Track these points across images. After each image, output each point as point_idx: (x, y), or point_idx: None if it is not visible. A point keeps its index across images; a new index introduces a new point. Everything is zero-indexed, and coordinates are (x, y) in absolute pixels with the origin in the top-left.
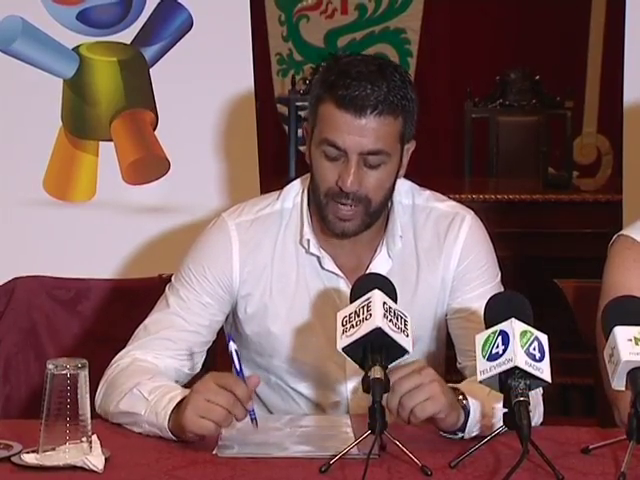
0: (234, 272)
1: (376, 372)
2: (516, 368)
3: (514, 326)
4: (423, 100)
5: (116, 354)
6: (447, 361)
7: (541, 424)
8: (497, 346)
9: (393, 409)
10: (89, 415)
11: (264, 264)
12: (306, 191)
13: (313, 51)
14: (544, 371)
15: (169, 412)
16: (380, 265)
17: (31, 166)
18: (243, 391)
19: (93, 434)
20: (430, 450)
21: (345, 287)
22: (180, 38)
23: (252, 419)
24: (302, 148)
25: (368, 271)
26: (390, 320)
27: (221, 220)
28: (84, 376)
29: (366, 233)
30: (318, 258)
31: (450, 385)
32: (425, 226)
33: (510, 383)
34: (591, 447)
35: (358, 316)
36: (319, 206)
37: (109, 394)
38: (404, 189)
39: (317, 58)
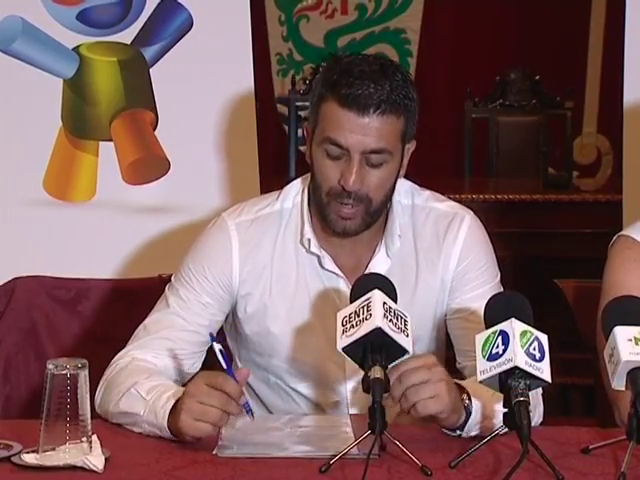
0: (234, 272)
1: (376, 372)
2: (516, 368)
3: (514, 326)
4: (423, 100)
5: (116, 354)
6: (447, 361)
7: (541, 424)
8: (497, 346)
9: (396, 398)
10: (89, 415)
11: (264, 264)
12: (306, 191)
13: (313, 51)
14: (544, 371)
15: (167, 411)
16: (379, 264)
17: (31, 166)
18: (234, 388)
19: (93, 434)
20: (430, 450)
21: (345, 287)
22: (180, 38)
23: (247, 412)
24: (302, 148)
25: (367, 271)
26: (390, 320)
27: (221, 220)
28: (84, 376)
29: (366, 233)
30: (318, 258)
31: (456, 382)
32: (424, 226)
33: (510, 383)
34: (591, 447)
35: (358, 316)
36: (320, 205)
37: (108, 394)
38: (404, 189)
39: (317, 58)
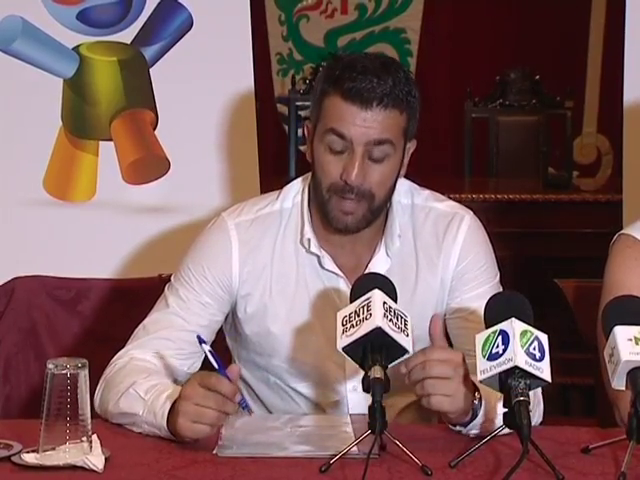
0: (234, 272)
1: (376, 372)
2: (516, 368)
3: (514, 326)
4: (423, 100)
5: (116, 354)
6: None
7: (541, 424)
8: (497, 346)
9: (413, 382)
10: (89, 415)
11: (264, 264)
12: (306, 190)
13: (313, 51)
14: (544, 371)
15: (166, 411)
16: (379, 264)
17: (31, 166)
18: (228, 388)
19: (93, 434)
20: (430, 450)
21: (345, 287)
22: (180, 38)
23: (244, 408)
24: (302, 148)
25: (367, 270)
26: (390, 320)
27: (221, 220)
28: (84, 376)
29: (366, 232)
30: (318, 257)
31: (472, 377)
32: (424, 226)
33: (510, 383)
34: (591, 447)
35: (358, 316)
36: (321, 202)
37: (107, 394)
38: (403, 189)
39: (317, 58)
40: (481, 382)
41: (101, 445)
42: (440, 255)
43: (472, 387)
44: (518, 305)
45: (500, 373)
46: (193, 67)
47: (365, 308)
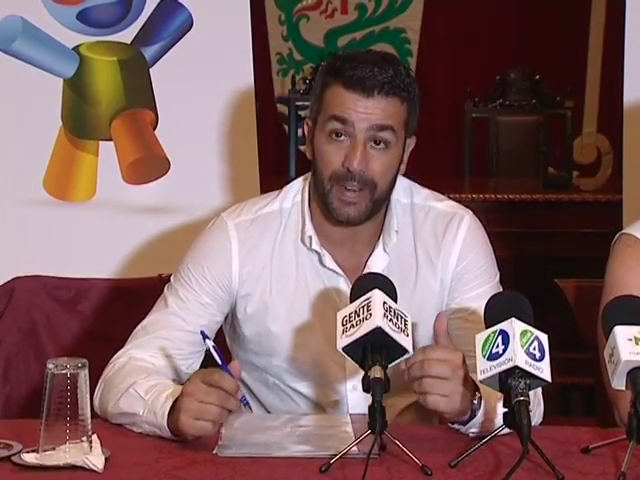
0: (233, 272)
1: (376, 372)
2: (516, 368)
3: (514, 326)
4: (423, 100)
5: (116, 354)
6: None
7: (541, 424)
8: (497, 346)
9: (412, 379)
10: (89, 415)
11: (263, 264)
12: (307, 189)
13: (313, 51)
14: (544, 371)
15: (167, 411)
16: (377, 261)
17: (31, 166)
18: (230, 384)
19: (93, 434)
20: (430, 450)
21: (345, 286)
22: (180, 38)
23: (245, 405)
24: (302, 148)
25: (366, 268)
26: (390, 320)
27: (220, 220)
28: (84, 376)
29: (365, 230)
30: (319, 256)
31: (472, 376)
32: (424, 225)
33: (510, 383)
34: (591, 447)
35: (358, 316)
36: (322, 194)
37: (106, 394)
38: (402, 187)
39: (317, 58)
40: (481, 382)
41: (101, 445)
42: (439, 255)
43: (472, 387)
44: (518, 305)
45: (500, 373)
46: (193, 67)
47: (365, 308)
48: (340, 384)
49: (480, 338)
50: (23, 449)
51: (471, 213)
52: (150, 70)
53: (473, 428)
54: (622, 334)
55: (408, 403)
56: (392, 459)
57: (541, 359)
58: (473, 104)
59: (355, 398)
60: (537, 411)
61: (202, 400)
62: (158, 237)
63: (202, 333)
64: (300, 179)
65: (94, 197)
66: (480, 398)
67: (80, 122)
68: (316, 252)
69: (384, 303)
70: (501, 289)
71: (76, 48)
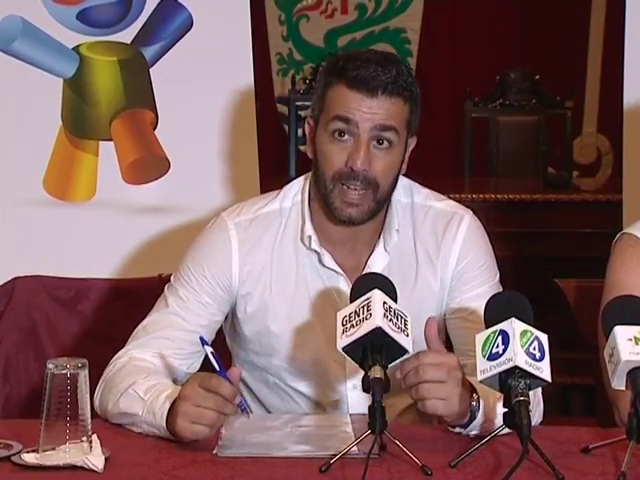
0: (233, 272)
1: (376, 372)
2: (516, 368)
3: (514, 326)
4: (423, 100)
5: (116, 354)
6: None
7: (541, 424)
8: (497, 346)
9: (408, 387)
10: (89, 415)
11: (263, 263)
12: (307, 188)
13: (313, 51)
14: (544, 371)
15: (166, 412)
16: (378, 260)
17: (31, 166)
18: (228, 390)
19: (93, 434)
20: (430, 450)
21: (345, 286)
22: (180, 38)
23: (243, 410)
24: (302, 148)
25: (367, 267)
26: (390, 320)
27: (220, 220)
28: (84, 376)
29: (365, 230)
30: (318, 255)
31: (469, 378)
32: (424, 225)
33: (510, 383)
34: (591, 447)
35: (358, 316)
36: (324, 194)
37: (106, 394)
38: (402, 186)
39: (317, 58)
40: (481, 382)
41: (101, 445)
42: (439, 255)
43: (469, 389)
44: (518, 305)
45: (500, 373)
46: (193, 67)
47: (365, 308)
48: (340, 384)
49: (480, 338)
50: (23, 449)
51: (471, 213)
52: (150, 70)
53: (474, 430)
54: (622, 334)
55: (408, 403)
56: (392, 459)
57: (541, 359)
58: (473, 104)
59: (355, 398)
60: (537, 411)
61: (199, 404)
62: (158, 237)
63: (201, 339)
64: (300, 178)
65: (94, 197)
66: (478, 399)
67: (80, 122)
68: (316, 252)
69: (384, 303)
70: (501, 289)
71: (76, 48)
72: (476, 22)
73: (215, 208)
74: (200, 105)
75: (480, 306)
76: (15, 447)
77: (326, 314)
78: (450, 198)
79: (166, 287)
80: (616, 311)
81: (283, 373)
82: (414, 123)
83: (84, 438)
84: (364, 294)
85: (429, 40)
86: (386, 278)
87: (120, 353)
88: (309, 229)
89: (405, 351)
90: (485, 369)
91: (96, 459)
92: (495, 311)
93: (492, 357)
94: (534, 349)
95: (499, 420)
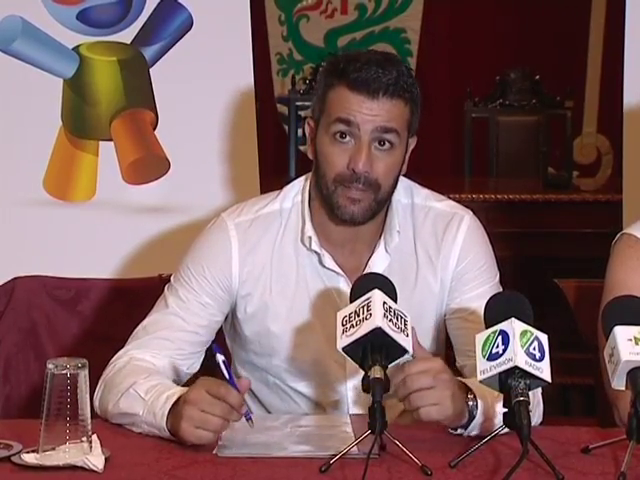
0: (233, 272)
1: (376, 372)
2: (516, 368)
3: (514, 326)
4: (423, 100)
5: (116, 354)
6: (446, 361)
7: (541, 424)
8: (497, 346)
9: (400, 399)
10: (89, 415)
11: (263, 264)
12: (307, 189)
13: (313, 51)
14: (544, 371)
15: (166, 412)
16: (379, 261)
17: (31, 166)
18: (235, 398)
19: (93, 434)
20: (430, 450)
21: (345, 286)
22: (180, 38)
23: (248, 419)
24: (302, 148)
25: (367, 268)
26: (390, 320)
27: (220, 220)
28: (84, 376)
29: (366, 231)
30: (318, 256)
31: (463, 381)
32: (424, 225)
33: (510, 383)
34: (591, 447)
35: (358, 316)
36: (326, 195)
37: (106, 394)
38: (402, 187)
39: (317, 58)
40: (481, 382)
41: (101, 445)
42: (439, 255)
43: (463, 388)
44: (518, 305)
45: (500, 373)
46: (193, 67)
47: (365, 308)
48: (340, 384)
49: (480, 338)
50: (23, 449)
51: (471, 213)
52: (150, 70)
53: (474, 430)
54: (622, 334)
55: None
56: (392, 459)
57: (541, 359)
58: (473, 104)
59: (355, 398)
60: (537, 411)
61: (205, 410)
62: (158, 237)
63: (213, 347)
64: (301, 179)
65: (94, 197)
66: (475, 397)
67: (80, 122)
68: (316, 253)
69: (384, 303)
70: (501, 289)
71: (76, 48)
72: (476, 22)
73: (215, 208)
74: (200, 105)
75: (480, 306)
76: (15, 447)
77: (326, 314)
78: (450, 198)
79: (166, 287)
80: (616, 311)
81: (283, 373)
82: (414, 124)
83: (84, 438)
84: (364, 294)
85: (429, 40)
86: (386, 278)
87: (120, 353)
88: (309, 230)
89: (405, 351)
90: (485, 369)
91: (96, 459)
92: (495, 311)
93: (492, 357)
94: (534, 349)
95: (499, 420)
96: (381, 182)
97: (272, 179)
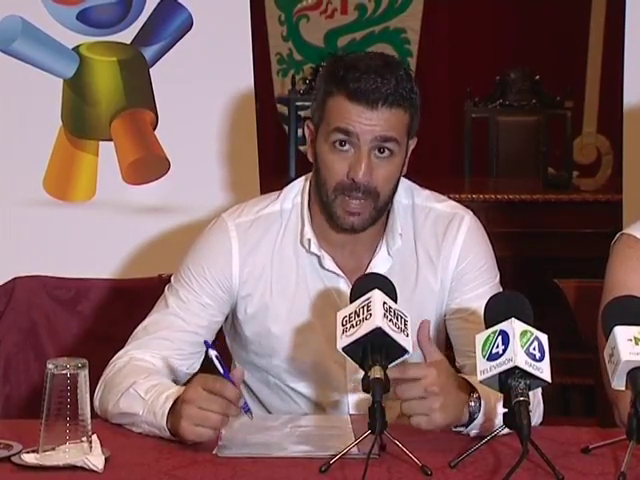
0: (234, 273)
1: (376, 372)
2: (516, 368)
3: (514, 326)
4: (423, 100)
5: (116, 354)
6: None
7: (541, 424)
8: (497, 346)
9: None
10: (89, 415)
11: (264, 264)
12: (307, 190)
13: (313, 51)
14: (544, 371)
15: (166, 412)
16: (380, 264)
17: (31, 166)
18: (232, 392)
19: (93, 434)
20: (430, 450)
21: (345, 287)
22: (180, 38)
23: (246, 412)
24: (302, 148)
25: (368, 270)
26: (390, 320)
27: (221, 220)
28: (84, 376)
29: (367, 233)
30: (318, 258)
31: (468, 380)
32: (424, 226)
33: (510, 383)
34: (591, 447)
35: (358, 316)
36: (326, 203)
37: (106, 394)
38: (403, 188)
39: (317, 58)
40: (481, 382)
41: (101, 445)
42: (440, 256)
43: (466, 389)
44: (518, 305)
45: (500, 373)
46: (193, 67)
47: (365, 308)
48: (340, 384)
49: (480, 338)
50: (23, 449)
51: (471, 213)
52: (150, 70)
53: (474, 430)
54: (622, 334)
55: None
56: (392, 459)
57: (541, 359)
58: (473, 104)
59: (356, 398)
60: (537, 411)
61: (203, 407)
62: (158, 237)
63: (206, 343)
64: (300, 179)
65: (94, 197)
66: (478, 398)
67: (80, 122)
68: (315, 255)
69: (384, 303)
70: (501, 289)
71: (76, 48)
72: (476, 22)
73: (215, 208)
74: (200, 105)
75: (480, 307)
76: (15, 447)
77: (326, 315)
78: (450, 198)
79: (166, 288)
80: (616, 311)
81: (283, 374)
82: (414, 127)
83: (84, 438)
84: (364, 294)
85: (429, 40)
86: (386, 278)
87: (120, 353)
88: (308, 232)
89: (405, 351)
90: (485, 369)
91: (96, 459)
92: (495, 311)
93: (492, 357)
94: (534, 349)
95: (499, 420)
96: (380, 190)
97: (272, 179)
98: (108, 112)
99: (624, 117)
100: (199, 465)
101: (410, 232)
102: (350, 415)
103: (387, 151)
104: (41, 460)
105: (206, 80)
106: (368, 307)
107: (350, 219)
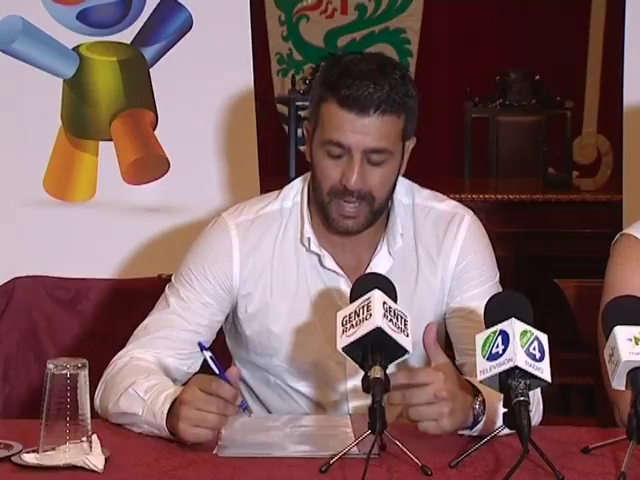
0: (234, 272)
1: (376, 372)
2: (516, 368)
3: (514, 326)
4: (423, 100)
5: (116, 354)
6: None
7: (541, 424)
8: (497, 346)
9: (394, 404)
10: (89, 415)
11: (264, 263)
12: (306, 189)
13: (313, 51)
14: (544, 371)
15: (165, 412)
16: (381, 263)
17: (31, 166)
18: (229, 392)
19: (93, 434)
20: (430, 450)
21: (345, 286)
22: (180, 38)
23: (244, 409)
24: (302, 148)
25: (369, 269)
26: (390, 320)
27: (221, 220)
28: (84, 376)
29: (367, 232)
30: (319, 257)
31: (473, 384)
32: (424, 225)
33: (510, 383)
34: (591, 447)
35: (358, 316)
36: (322, 205)
37: (107, 394)
38: (404, 188)
39: (317, 58)
40: (481, 382)
41: (101, 445)
42: (440, 255)
43: (471, 392)
44: (518, 305)
45: (500, 373)
46: (193, 67)
47: (365, 308)
48: (340, 384)
49: (480, 338)
50: (23, 449)
51: (472, 213)
52: (150, 70)
53: (477, 432)
54: (622, 334)
55: None
56: (392, 459)
57: (541, 359)
58: (473, 104)
59: (356, 398)
60: (537, 411)
61: (201, 408)
62: (158, 237)
63: (200, 344)
64: (300, 179)
65: (94, 197)
66: (482, 401)
67: (80, 122)
68: (316, 253)
69: (384, 303)
70: (501, 289)
71: (76, 48)
72: (476, 22)
73: (215, 208)
74: (200, 105)
75: (480, 306)
76: (15, 447)
77: (326, 314)
78: (450, 198)
79: (167, 287)
80: (616, 311)
81: (284, 373)
82: (410, 128)
83: (84, 438)
84: (364, 294)
85: (429, 40)
86: (386, 278)
87: (121, 353)
88: (308, 231)
89: (405, 351)
90: (485, 369)
91: (96, 459)
92: (495, 311)
93: (492, 357)
94: (534, 349)
95: (500, 420)
96: (375, 194)
97: (272, 179)
98: (108, 112)
99: (624, 117)
100: (199, 465)
101: (410, 231)
102: (350, 415)
103: (379, 160)
104: (41, 460)
105: (206, 80)
106: (368, 307)
107: (345, 222)
